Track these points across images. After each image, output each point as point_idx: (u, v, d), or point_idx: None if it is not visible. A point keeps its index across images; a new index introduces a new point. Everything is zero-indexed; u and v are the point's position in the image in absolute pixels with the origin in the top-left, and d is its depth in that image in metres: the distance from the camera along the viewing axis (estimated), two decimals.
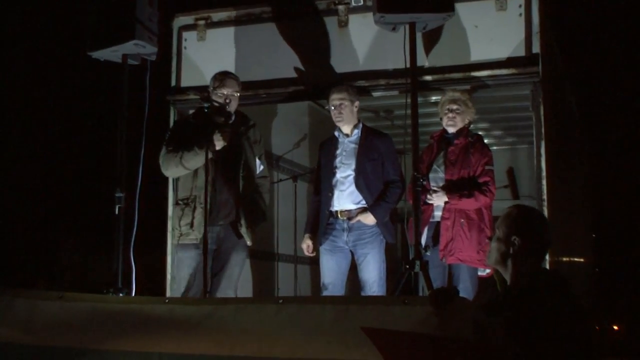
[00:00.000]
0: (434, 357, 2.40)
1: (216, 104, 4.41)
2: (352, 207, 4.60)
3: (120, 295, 4.24)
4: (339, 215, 4.62)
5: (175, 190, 4.64)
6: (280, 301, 2.82)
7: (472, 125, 4.81)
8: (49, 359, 3.04)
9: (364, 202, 4.58)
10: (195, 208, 4.42)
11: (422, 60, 4.58)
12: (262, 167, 4.70)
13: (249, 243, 4.58)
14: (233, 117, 4.59)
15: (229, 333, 2.79)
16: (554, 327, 2.50)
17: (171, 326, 2.90)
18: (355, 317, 2.59)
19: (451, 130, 4.62)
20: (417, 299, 2.85)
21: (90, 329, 3.04)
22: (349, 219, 4.59)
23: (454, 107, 4.58)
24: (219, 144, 4.35)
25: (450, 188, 4.46)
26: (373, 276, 4.53)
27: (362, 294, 4.57)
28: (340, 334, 2.58)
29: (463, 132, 4.60)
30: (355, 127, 4.72)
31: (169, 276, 4.93)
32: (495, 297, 2.80)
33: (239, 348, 2.73)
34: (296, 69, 5.00)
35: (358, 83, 4.81)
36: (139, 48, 4.41)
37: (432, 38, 4.63)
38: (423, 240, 4.49)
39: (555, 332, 2.49)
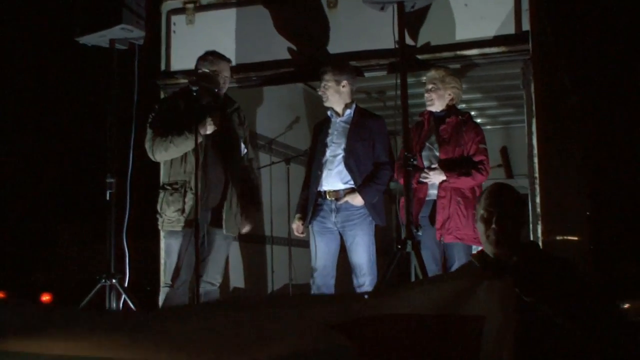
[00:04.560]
0: (403, 336, 2.35)
1: (205, 86, 4.37)
2: (341, 186, 4.60)
3: None
4: (327, 196, 4.62)
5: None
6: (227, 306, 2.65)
7: (465, 105, 4.79)
8: None
9: (352, 182, 4.57)
10: (185, 193, 4.33)
11: (412, 40, 4.55)
12: (246, 150, 4.66)
13: (232, 233, 4.51)
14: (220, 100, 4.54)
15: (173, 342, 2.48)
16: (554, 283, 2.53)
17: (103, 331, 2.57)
18: (316, 317, 2.40)
19: (431, 108, 4.63)
20: (379, 292, 2.71)
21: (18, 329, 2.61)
22: (337, 199, 4.59)
23: (429, 86, 4.61)
24: (210, 128, 4.30)
25: (446, 166, 4.45)
26: (363, 259, 4.53)
27: (353, 277, 4.58)
28: (303, 333, 2.39)
29: (452, 110, 4.59)
30: (347, 107, 4.71)
31: (162, 261, 4.92)
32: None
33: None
34: (286, 51, 4.97)
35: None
36: (127, 32, 4.38)
37: (421, 17, 4.59)
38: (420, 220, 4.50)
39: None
